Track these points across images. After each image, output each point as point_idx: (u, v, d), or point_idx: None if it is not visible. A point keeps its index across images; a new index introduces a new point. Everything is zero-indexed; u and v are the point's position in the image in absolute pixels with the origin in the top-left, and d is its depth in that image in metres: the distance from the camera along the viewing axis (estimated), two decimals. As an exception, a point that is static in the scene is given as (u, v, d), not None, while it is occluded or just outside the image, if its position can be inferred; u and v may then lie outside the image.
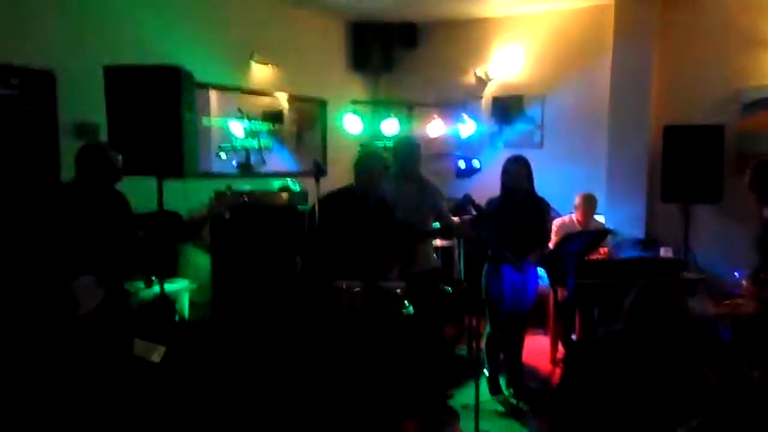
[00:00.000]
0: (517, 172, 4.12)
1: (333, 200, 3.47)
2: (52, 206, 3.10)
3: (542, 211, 4.25)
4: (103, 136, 4.07)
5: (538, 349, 5.18)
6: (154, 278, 4.20)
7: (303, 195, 4.84)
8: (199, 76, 5.22)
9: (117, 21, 4.94)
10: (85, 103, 4.47)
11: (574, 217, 5.29)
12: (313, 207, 3.37)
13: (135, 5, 5.09)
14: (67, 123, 4.65)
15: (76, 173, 3.16)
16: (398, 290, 3.28)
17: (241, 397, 3.87)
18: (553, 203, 6.03)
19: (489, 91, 7.14)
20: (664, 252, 5.17)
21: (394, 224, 3.63)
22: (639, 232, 6.08)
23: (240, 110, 6.20)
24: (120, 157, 3.22)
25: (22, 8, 4.40)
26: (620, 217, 6.10)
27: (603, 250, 5.22)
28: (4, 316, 3.03)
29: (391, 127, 6.14)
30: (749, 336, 3.37)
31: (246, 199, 4.06)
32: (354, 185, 3.63)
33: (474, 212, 3.72)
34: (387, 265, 3.46)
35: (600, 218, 5.70)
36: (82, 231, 3.07)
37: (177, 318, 4.54)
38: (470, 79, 7.20)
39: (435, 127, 6.26)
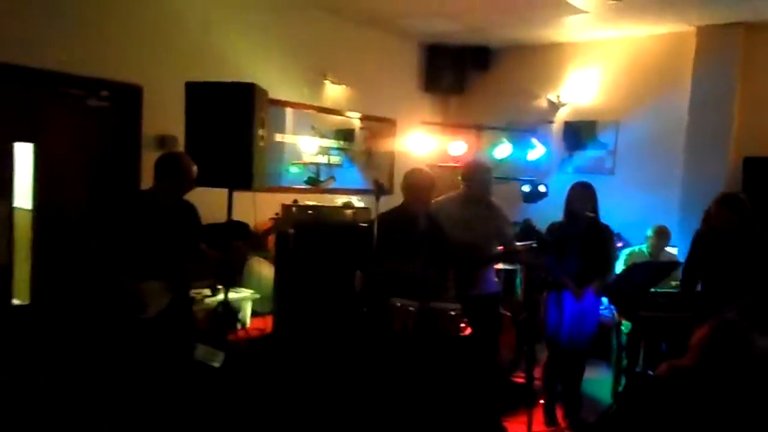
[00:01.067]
0: (582, 197, 4.04)
1: (387, 219, 3.52)
2: (129, 212, 3.26)
3: (606, 239, 4.14)
4: (181, 149, 4.29)
5: (600, 382, 5.01)
6: (219, 286, 4.36)
7: (367, 212, 4.93)
8: (276, 93, 5.46)
9: (200, 40, 5.22)
10: (166, 117, 4.74)
11: (645, 248, 5.12)
12: (372, 225, 3.42)
13: (217, 26, 5.37)
14: (150, 135, 4.93)
15: (155, 179, 3.34)
16: (452, 312, 3.27)
17: (295, 409, 3.94)
18: (624, 232, 5.93)
19: (561, 116, 7.06)
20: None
21: (444, 244, 3.63)
22: (714, 267, 5.80)
23: (313, 127, 6.39)
24: (195, 167, 3.36)
25: (113, 26, 4.73)
26: (694, 251, 5.84)
27: (674, 283, 5.02)
28: (80, 313, 3.23)
29: (459, 148, 6.15)
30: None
31: (310, 212, 4.19)
32: (405, 203, 3.67)
33: (534, 238, 3.68)
34: (440, 285, 3.46)
35: (673, 250, 5.50)
36: (155, 237, 3.22)
37: (239, 326, 4.70)
38: (542, 103, 7.14)
39: (503, 150, 6.22)
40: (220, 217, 4.34)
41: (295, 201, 4.70)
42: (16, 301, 4.53)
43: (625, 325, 4.59)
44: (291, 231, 4.07)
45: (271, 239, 5.03)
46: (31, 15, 4.30)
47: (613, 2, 5.44)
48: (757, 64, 5.88)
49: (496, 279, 4.38)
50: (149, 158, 4.86)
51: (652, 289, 4.39)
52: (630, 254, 5.09)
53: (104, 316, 3.23)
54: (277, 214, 3.63)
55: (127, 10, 4.81)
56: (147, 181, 4.81)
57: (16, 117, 4.43)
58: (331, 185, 6.32)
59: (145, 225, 3.20)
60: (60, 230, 4.57)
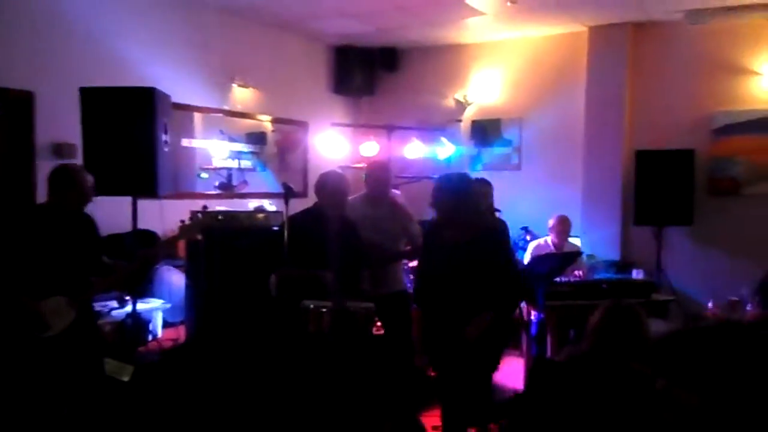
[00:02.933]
0: (484, 192, 4.18)
1: (298, 221, 3.51)
2: (24, 227, 3.12)
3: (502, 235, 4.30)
4: (79, 157, 4.11)
5: (512, 372, 5.20)
6: (127, 297, 4.21)
7: (279, 216, 4.89)
8: (182, 98, 5.32)
9: (97, 44, 5.01)
10: (62, 124, 4.52)
11: (549, 239, 5.36)
12: (282, 227, 3.41)
13: (116, 28, 5.17)
14: (44, 143, 4.68)
15: (49, 193, 3.20)
16: (365, 311, 3.31)
17: (212, 416, 3.87)
18: (531, 225, 6.18)
19: (468, 115, 7.26)
20: (636, 274, 5.23)
21: (358, 244, 3.66)
22: (614, 255, 6.17)
23: (222, 132, 6.27)
24: (91, 178, 3.25)
25: (1, 29, 4.46)
26: (596, 240, 6.20)
27: (579, 272, 5.29)
28: None
29: (370, 149, 6.21)
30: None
31: (220, 217, 4.11)
32: (318, 205, 3.68)
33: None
34: (353, 285, 3.49)
35: (576, 241, 5.79)
36: (53, 252, 3.09)
37: (149, 337, 4.55)
38: (449, 102, 7.32)
39: (414, 150, 6.33)
40: (126, 226, 4.19)
41: (205, 207, 4.57)
42: None
43: (534, 315, 4.79)
44: (200, 237, 3.98)
45: (182, 246, 4.91)
46: None
47: (510, 4, 5.66)
48: (646, 60, 6.27)
49: (411, 276, 4.46)
50: (45, 167, 4.64)
51: (557, 279, 4.63)
52: (536, 246, 5.31)
53: (3, 338, 3.06)
54: (182, 220, 3.54)
55: (15, 13, 4.55)
56: (43, 190, 4.61)
57: None
58: (244, 189, 6.23)
59: (41, 240, 3.08)
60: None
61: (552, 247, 5.28)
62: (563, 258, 4.68)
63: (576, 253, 4.96)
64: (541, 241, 5.41)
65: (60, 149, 4.70)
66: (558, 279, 4.62)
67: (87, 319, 3.27)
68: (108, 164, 3.84)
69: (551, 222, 5.36)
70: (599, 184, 6.32)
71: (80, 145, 4.05)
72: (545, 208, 5.80)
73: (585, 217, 6.35)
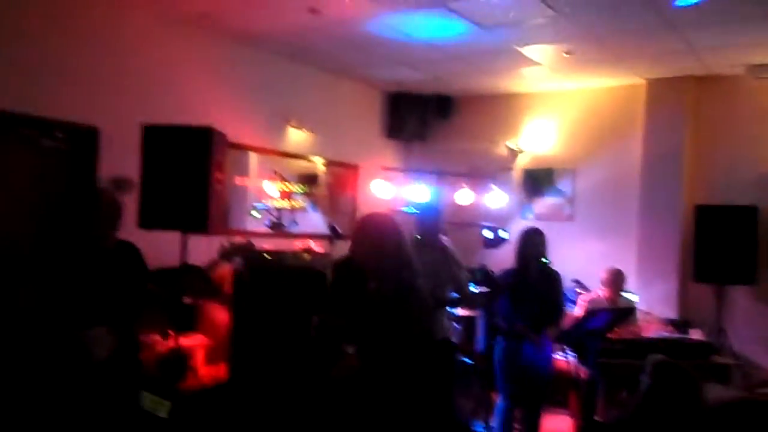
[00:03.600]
0: (534, 243, 4.08)
1: (344, 264, 3.49)
2: (67, 258, 3.22)
3: (556, 284, 4.17)
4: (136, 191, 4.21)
5: (559, 429, 4.98)
6: (170, 332, 4.23)
7: (325, 257, 4.88)
8: (238, 137, 5.45)
9: (161, 82, 5.21)
10: (122, 158, 4.67)
11: (602, 293, 5.17)
12: (327, 269, 3.39)
13: (177, 68, 5.37)
14: (106, 177, 4.84)
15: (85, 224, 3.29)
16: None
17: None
18: (582, 278, 5.99)
19: (520, 163, 7.20)
20: (695, 334, 4.98)
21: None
22: (671, 312, 5.90)
23: (275, 172, 6.37)
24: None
25: (69, 66, 4.69)
26: (652, 296, 5.95)
27: (633, 329, 5.07)
28: (23, 363, 3.11)
29: (420, 194, 6.20)
30: None
31: (267, 256, 4.14)
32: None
33: (490, 284, 3.68)
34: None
35: (631, 296, 5.57)
36: (94, 282, 3.15)
37: (190, 374, 4.55)
38: (501, 150, 7.28)
39: (464, 196, 6.29)
40: (175, 261, 4.25)
41: (249, 242, 4.63)
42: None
43: (585, 373, 4.59)
44: (244, 272, 3.99)
45: (227, 283, 4.94)
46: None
47: (567, 55, 5.64)
48: (707, 114, 6.11)
49: (453, 325, 4.36)
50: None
51: (611, 336, 4.44)
52: (588, 301, 5.12)
53: (49, 367, 3.12)
54: (222, 245, 3.58)
55: (86, 51, 4.79)
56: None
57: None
58: (293, 229, 6.28)
59: (83, 270, 3.15)
60: (10, 271, 4.44)
61: (605, 302, 5.09)
62: (617, 314, 4.49)
63: (631, 309, 4.76)
64: (593, 294, 5.23)
65: (119, 183, 4.85)
66: (611, 336, 4.44)
67: (129, 350, 3.29)
68: (162, 199, 3.93)
69: (604, 275, 5.18)
70: (656, 239, 6.10)
71: (139, 179, 4.17)
72: (598, 261, 5.63)
73: (640, 272, 6.13)
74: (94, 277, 3.15)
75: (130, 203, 3.78)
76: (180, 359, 4.20)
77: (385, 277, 2.94)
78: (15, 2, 4.44)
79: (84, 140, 4.81)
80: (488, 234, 6.31)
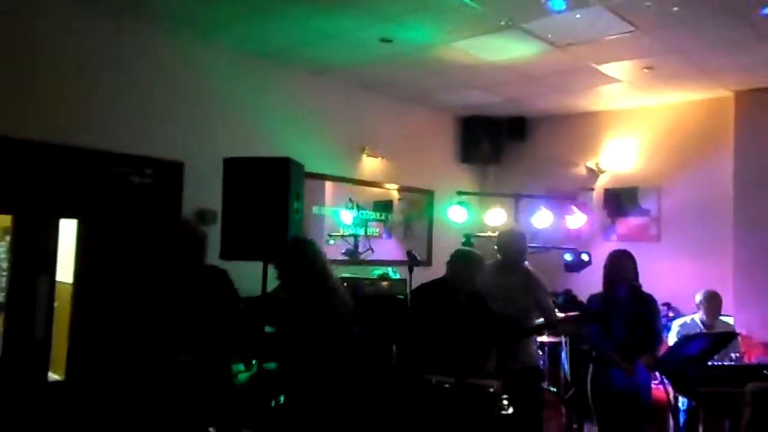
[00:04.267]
0: (622, 266, 3.89)
1: (425, 292, 3.44)
2: (158, 289, 3.38)
3: (650, 309, 3.95)
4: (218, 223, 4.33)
5: (656, 464, 4.68)
6: (254, 361, 4.28)
7: (403, 284, 4.84)
8: (315, 167, 5.54)
9: (239, 116, 5.39)
10: (205, 191, 4.83)
11: (698, 317, 4.87)
12: (407, 297, 3.35)
13: (256, 101, 5.55)
14: (189, 210, 5.02)
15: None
16: (491, 389, 3.12)
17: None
18: (674, 301, 5.67)
19: (601, 183, 6.97)
20: (803, 360, 4.60)
21: (486, 318, 3.50)
22: (773, 336, 5.49)
23: (350, 200, 6.43)
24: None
25: (156, 104, 4.93)
26: (751, 319, 5.56)
27: (735, 354, 4.74)
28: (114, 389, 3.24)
29: (496, 218, 6.09)
30: None
31: (345, 284, 4.15)
32: (447, 278, 3.59)
33: (577, 309, 3.53)
34: (479, 361, 3.32)
35: (728, 319, 5.22)
36: (183, 310, 3.27)
37: (273, 403, 4.58)
38: (580, 170, 7.07)
39: (542, 219, 6.12)
40: (257, 290, 4.33)
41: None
42: (52, 376, 4.55)
43: (682, 402, 4.32)
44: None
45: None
46: (78, 97, 4.52)
47: (647, 71, 5.44)
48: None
49: (539, 352, 4.21)
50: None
51: (710, 362, 4.16)
52: (683, 325, 4.84)
53: (144, 390, 3.25)
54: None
55: (170, 90, 5.02)
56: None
57: (62, 194, 4.58)
58: (369, 257, 6.29)
59: (174, 299, 3.29)
60: (99, 304, 4.64)
61: (701, 326, 4.78)
62: (717, 339, 4.20)
63: (732, 334, 4.45)
64: (687, 319, 4.93)
65: (203, 215, 5.02)
66: (711, 362, 4.15)
67: (219, 376, 3.35)
68: (243, 229, 4.01)
69: (698, 297, 4.88)
70: (754, 258, 5.72)
71: (220, 211, 4.29)
72: (689, 284, 5.33)
73: (737, 293, 5.75)
74: (183, 305, 3.26)
75: (213, 235, 3.89)
76: (264, 387, 4.23)
77: None
78: (114, 53, 4.72)
79: (171, 175, 5.02)
80: (568, 257, 6.10)
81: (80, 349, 4.58)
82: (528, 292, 3.90)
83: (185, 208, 5.05)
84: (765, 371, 4.14)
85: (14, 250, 4.41)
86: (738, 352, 4.75)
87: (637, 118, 6.75)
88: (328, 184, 6.30)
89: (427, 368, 3.21)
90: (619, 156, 6.83)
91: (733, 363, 4.51)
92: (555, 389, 5.05)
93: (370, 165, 6.61)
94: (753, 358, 5.17)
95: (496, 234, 5.63)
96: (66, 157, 4.55)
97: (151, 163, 4.94)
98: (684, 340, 4.03)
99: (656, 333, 3.97)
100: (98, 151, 4.61)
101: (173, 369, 3.17)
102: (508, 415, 3.33)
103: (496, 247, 4.07)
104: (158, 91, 4.96)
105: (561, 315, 4.03)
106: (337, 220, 6.33)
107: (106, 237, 4.80)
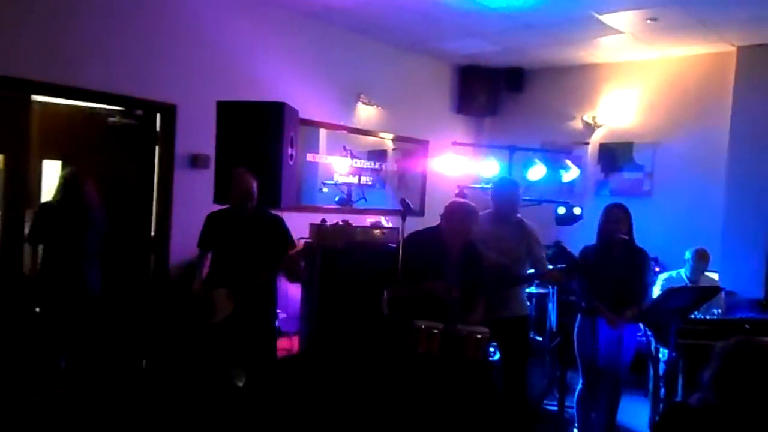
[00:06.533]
0: (616, 219, 3.91)
1: (418, 239, 3.46)
2: (207, 227, 3.74)
3: (642, 263, 3.99)
4: (211, 168, 4.32)
5: (637, 412, 4.83)
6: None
7: (395, 232, 4.87)
8: (308, 114, 5.48)
9: (234, 60, 5.29)
10: (198, 136, 4.79)
11: (683, 272, 4.94)
12: (399, 245, 3.37)
13: (251, 45, 5.44)
14: (182, 154, 4.99)
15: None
16: (479, 335, 3.18)
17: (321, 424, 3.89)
18: (662, 256, 5.74)
19: (596, 138, 6.94)
20: (785, 316, 4.69)
21: (478, 268, 3.54)
22: (758, 292, 5.59)
23: (345, 148, 6.39)
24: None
25: (150, 46, 4.82)
26: (737, 275, 5.64)
27: (716, 310, 4.83)
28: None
29: (490, 169, 6.08)
30: None
31: (340, 223, 4.25)
32: (442, 229, 3.61)
33: (566, 261, 3.57)
34: (467, 308, 3.37)
35: (713, 275, 5.30)
36: (224, 248, 3.57)
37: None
38: (576, 124, 7.03)
39: (536, 171, 6.11)
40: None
41: (323, 220, 4.67)
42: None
43: (663, 353, 4.42)
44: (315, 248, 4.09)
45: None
46: (69, 36, 4.42)
47: (650, 22, 5.35)
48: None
49: (527, 302, 4.27)
50: (181, 176, 4.96)
51: (693, 315, 4.24)
52: (667, 279, 4.92)
53: (176, 321, 3.51)
54: (301, 239, 3.71)
55: (164, 31, 4.91)
56: (178, 198, 4.92)
57: (48, 136, 4.65)
58: (362, 205, 6.30)
59: (218, 238, 3.62)
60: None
61: (686, 281, 4.86)
62: (701, 293, 4.27)
63: (716, 289, 4.51)
64: (673, 273, 5.00)
65: (196, 159, 4.99)
66: (693, 316, 4.24)
67: (251, 310, 3.57)
68: (236, 175, 4.01)
69: (688, 254, 4.94)
70: (744, 216, 5.77)
71: (213, 156, 4.27)
72: (678, 239, 5.40)
73: (725, 250, 5.82)
74: (223, 245, 3.57)
75: (207, 179, 3.90)
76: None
77: None
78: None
79: (163, 117, 4.96)
80: (561, 210, 6.14)
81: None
82: (521, 243, 3.93)
83: (177, 151, 5.01)
84: (746, 326, 4.25)
85: (5, 188, 4.48)
86: (720, 308, 4.84)
87: (637, 71, 6.68)
88: (323, 132, 6.25)
89: (417, 314, 3.26)
90: (616, 110, 6.79)
91: (714, 318, 4.61)
92: (541, 338, 5.16)
93: (366, 113, 6.54)
94: (736, 313, 5.26)
95: (489, 185, 5.65)
96: (54, 96, 4.53)
97: (144, 105, 4.87)
98: (669, 293, 4.09)
99: (644, 286, 4.03)
100: (87, 91, 4.53)
101: (209, 300, 3.45)
102: (494, 361, 3.42)
103: (490, 198, 4.07)
104: (151, 31, 4.84)
105: (550, 266, 4.07)
106: (331, 168, 6.31)
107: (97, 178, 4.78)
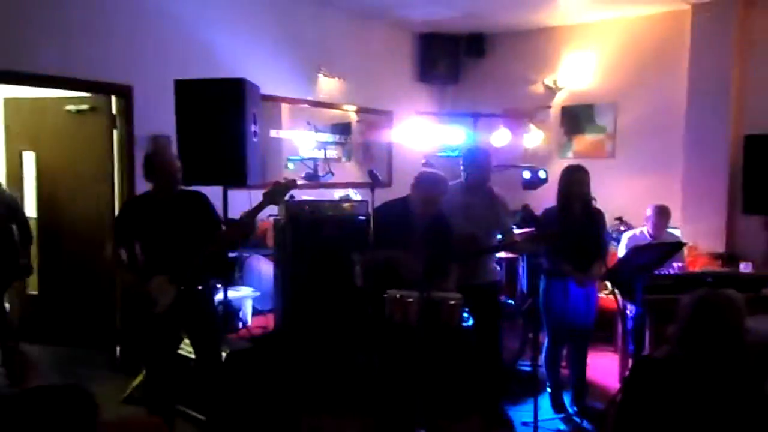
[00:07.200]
0: (575, 181, 3.98)
1: (386, 211, 3.47)
2: (128, 214, 3.41)
3: (598, 222, 4.08)
4: (174, 148, 4.23)
5: (606, 368, 4.98)
6: (218, 285, 4.32)
7: (364, 205, 4.87)
8: (269, 89, 5.39)
9: (190, 37, 5.15)
10: (157, 116, 4.68)
11: (646, 230, 5.06)
12: (369, 217, 3.38)
13: (207, 20, 5.30)
14: (142, 135, 4.87)
15: (146, 181, 3.36)
16: (452, 301, 3.23)
17: (298, 405, 3.92)
18: (626, 215, 5.87)
19: (558, 101, 7.00)
20: (744, 267, 4.86)
21: (446, 237, 3.58)
22: (718, 246, 5.77)
23: (308, 122, 6.33)
24: (174, 161, 3.38)
25: (101, 26, 4.66)
26: (698, 231, 5.81)
27: (678, 264, 4.98)
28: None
29: (456, 137, 6.09)
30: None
31: (307, 207, 4.15)
32: (409, 197, 3.62)
33: (534, 225, 3.63)
34: (441, 275, 3.41)
35: (675, 232, 5.45)
36: (155, 234, 3.28)
37: (240, 325, 4.67)
38: (538, 88, 7.08)
39: (500, 137, 6.16)
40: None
41: (291, 196, 4.64)
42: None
43: (631, 309, 4.55)
44: (286, 224, 4.05)
45: (270, 236, 4.99)
46: (18, 19, 4.24)
47: (607, -18, 5.38)
48: (755, 39, 5.80)
49: (497, 267, 4.34)
50: (142, 159, 4.85)
51: (657, 272, 4.36)
52: (632, 237, 5.03)
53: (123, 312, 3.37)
54: (270, 216, 3.63)
55: (114, 9, 4.75)
56: (142, 181, 4.81)
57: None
58: (329, 179, 6.27)
59: (144, 224, 3.29)
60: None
61: (649, 239, 4.98)
62: (665, 249, 4.39)
63: (679, 244, 4.64)
64: (636, 231, 5.12)
65: (156, 140, 4.88)
66: (657, 271, 4.36)
67: (191, 297, 3.36)
68: (200, 154, 3.95)
69: (649, 212, 5.05)
70: (702, 172, 5.91)
71: (175, 135, 4.18)
72: (641, 198, 5.50)
73: (686, 206, 5.97)
74: (153, 230, 3.28)
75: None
76: (229, 312, 4.30)
77: None
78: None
79: (119, 99, 4.83)
80: (527, 175, 6.20)
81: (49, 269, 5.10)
82: (491, 212, 3.97)
83: (137, 132, 4.89)
84: (709, 278, 4.39)
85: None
86: (682, 262, 4.99)
87: (595, 33, 6.73)
88: (285, 107, 6.17)
89: (390, 284, 3.28)
90: (576, 72, 6.85)
91: (677, 272, 4.75)
92: (512, 301, 5.25)
93: (327, 86, 6.47)
94: (696, 267, 5.43)
95: (456, 153, 5.67)
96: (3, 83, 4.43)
97: (97, 88, 4.73)
98: (634, 251, 4.20)
99: (602, 244, 4.13)
100: (38, 75, 4.36)
101: (146, 291, 3.22)
102: (468, 326, 3.47)
103: (461, 167, 4.08)
104: (102, 9, 4.67)
105: (518, 232, 4.13)
106: (296, 144, 6.24)
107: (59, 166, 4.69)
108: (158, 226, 3.28)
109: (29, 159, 5.16)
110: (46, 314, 5.13)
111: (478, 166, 3.99)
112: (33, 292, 5.25)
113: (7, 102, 5.17)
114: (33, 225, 5.00)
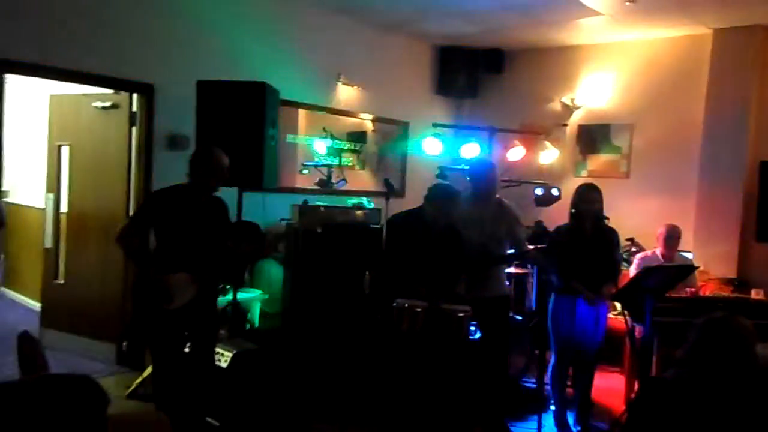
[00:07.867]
0: (588, 199, 3.98)
1: (400, 222, 3.49)
2: (157, 206, 3.36)
3: (611, 242, 4.08)
4: (191, 148, 4.27)
5: (612, 388, 4.95)
6: (228, 287, 4.34)
7: (377, 213, 4.90)
8: (288, 95, 5.44)
9: (213, 39, 5.20)
10: (177, 116, 4.73)
11: (658, 251, 5.05)
12: (382, 226, 3.40)
13: (230, 25, 5.35)
14: (161, 134, 4.92)
15: (189, 174, 3.38)
16: (461, 314, 3.24)
17: (302, 409, 3.92)
18: (638, 236, 5.85)
19: (575, 119, 7.00)
20: (755, 294, 4.83)
21: (458, 247, 3.59)
22: (730, 272, 5.73)
23: (324, 129, 6.36)
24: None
25: (123, 26, 4.72)
26: (710, 255, 5.77)
27: (690, 289, 4.95)
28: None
29: (471, 150, 6.11)
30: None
31: (322, 209, 4.19)
32: (424, 209, 3.64)
33: (546, 241, 3.63)
34: (450, 287, 3.42)
35: (688, 255, 5.42)
36: (184, 230, 3.28)
37: (248, 326, 4.68)
38: (555, 106, 7.09)
39: (516, 153, 6.17)
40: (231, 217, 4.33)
41: (305, 201, 4.67)
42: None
43: (639, 331, 4.52)
44: (318, 231, 4.07)
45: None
46: (42, 13, 4.31)
47: (629, 4, 5.39)
48: (776, 67, 5.80)
49: (507, 283, 4.35)
50: (160, 157, 4.91)
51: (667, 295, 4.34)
52: (643, 258, 5.01)
53: (134, 304, 3.38)
54: (282, 220, 3.64)
55: (141, 9, 4.82)
56: (158, 180, 4.86)
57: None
58: (342, 187, 6.30)
59: (175, 218, 3.27)
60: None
61: (661, 259, 4.97)
62: (676, 272, 4.37)
63: (691, 267, 4.62)
64: (648, 252, 5.11)
65: (174, 140, 4.93)
66: (668, 295, 4.34)
67: (208, 299, 3.42)
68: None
69: (660, 230, 5.04)
70: (717, 196, 5.89)
71: (193, 136, 4.22)
72: (654, 220, 5.47)
73: (698, 230, 5.94)
74: (183, 227, 3.28)
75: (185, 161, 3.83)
76: (238, 313, 4.31)
77: None
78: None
79: (141, 97, 4.88)
80: (539, 192, 6.21)
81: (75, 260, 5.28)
82: (501, 223, 3.98)
83: (156, 132, 4.94)
84: (719, 303, 4.36)
85: None
86: (694, 286, 4.96)
87: (615, 53, 6.73)
88: (302, 113, 6.21)
89: (400, 294, 3.30)
90: (594, 92, 6.85)
91: (689, 296, 4.72)
92: (520, 318, 5.24)
93: (345, 93, 6.51)
94: (707, 292, 5.39)
95: (468, 166, 5.69)
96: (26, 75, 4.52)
97: (119, 84, 4.79)
98: (645, 272, 4.18)
99: (614, 263, 4.12)
100: (61, 69, 4.42)
101: (163, 286, 3.21)
102: (475, 339, 3.48)
103: (468, 179, 4.11)
104: (128, 8, 4.74)
105: (531, 247, 4.13)
106: (311, 150, 6.28)
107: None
108: (191, 223, 3.29)
109: (65, 154, 5.32)
110: (70, 303, 5.21)
111: (483, 178, 4.03)
112: (60, 281, 5.38)
113: (52, 98, 5.38)
114: (63, 218, 5.36)
